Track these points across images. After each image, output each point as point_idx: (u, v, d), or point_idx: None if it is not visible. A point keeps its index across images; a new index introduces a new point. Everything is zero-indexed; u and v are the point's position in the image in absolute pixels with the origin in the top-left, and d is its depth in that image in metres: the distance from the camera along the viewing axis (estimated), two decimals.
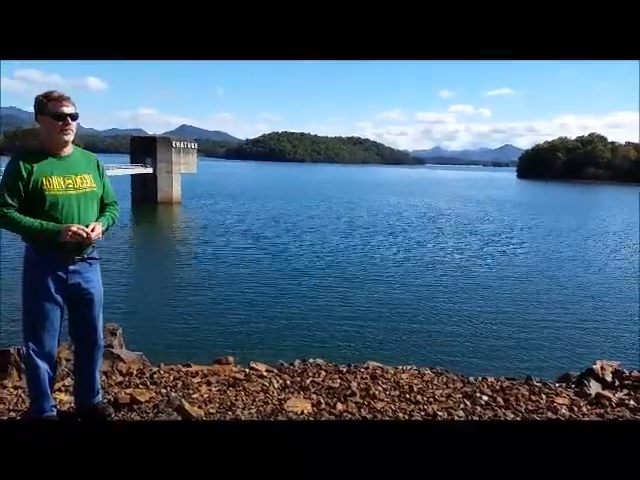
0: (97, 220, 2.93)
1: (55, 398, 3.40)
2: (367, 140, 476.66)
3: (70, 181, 2.83)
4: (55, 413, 3.03)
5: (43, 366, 2.90)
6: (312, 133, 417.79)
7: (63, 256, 2.84)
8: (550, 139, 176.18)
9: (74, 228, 2.73)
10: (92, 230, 2.81)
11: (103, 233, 2.92)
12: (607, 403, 3.71)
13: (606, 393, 3.86)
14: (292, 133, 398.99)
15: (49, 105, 2.74)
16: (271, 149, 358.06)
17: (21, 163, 2.72)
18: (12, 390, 3.64)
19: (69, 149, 2.90)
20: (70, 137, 2.82)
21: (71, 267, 2.88)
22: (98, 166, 3.03)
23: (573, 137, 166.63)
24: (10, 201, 2.69)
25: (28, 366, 2.94)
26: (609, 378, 4.14)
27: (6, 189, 2.71)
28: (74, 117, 2.80)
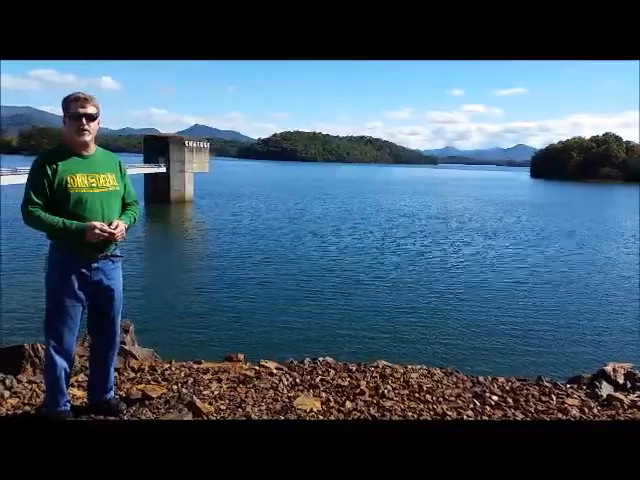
0: (119, 219, 2.98)
1: (69, 393, 3.46)
2: (379, 139, 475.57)
3: (94, 180, 2.88)
4: (68, 408, 3.08)
5: (61, 363, 2.96)
6: (323, 132, 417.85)
7: (87, 254, 2.90)
8: (564, 138, 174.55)
9: (97, 230, 2.77)
10: (116, 227, 2.87)
11: (125, 231, 2.98)
12: (619, 405, 3.68)
13: (618, 395, 3.82)
14: (304, 133, 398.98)
15: (69, 106, 2.82)
16: (283, 148, 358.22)
17: (46, 162, 2.79)
18: (27, 384, 3.70)
19: (92, 149, 2.96)
20: (87, 137, 2.86)
21: (94, 264, 2.94)
22: (120, 166, 3.09)
23: (587, 137, 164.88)
24: (35, 199, 2.75)
25: (47, 362, 3.00)
26: (621, 380, 4.10)
27: (31, 187, 2.77)
28: (90, 117, 2.84)
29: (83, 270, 2.90)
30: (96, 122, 2.89)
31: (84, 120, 2.81)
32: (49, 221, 2.75)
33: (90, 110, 2.83)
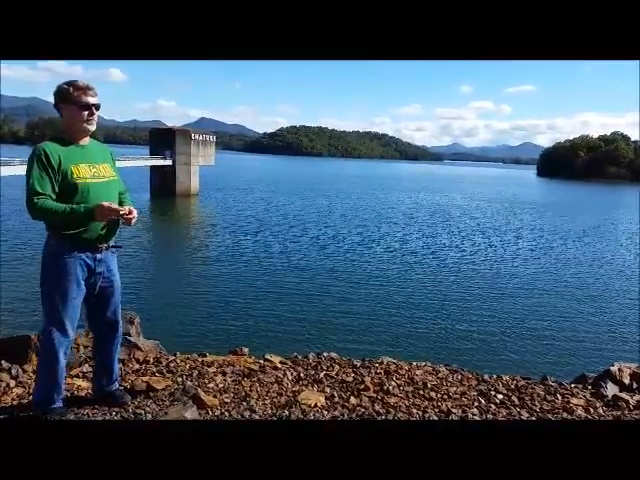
0: (128, 205, 2.99)
1: (73, 384, 3.47)
2: (385, 135, 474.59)
3: (95, 169, 2.87)
4: (62, 405, 3.00)
5: (62, 357, 2.90)
6: (329, 127, 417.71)
7: (90, 245, 2.88)
8: (571, 137, 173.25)
9: (106, 204, 2.70)
10: (129, 212, 2.84)
11: None
12: (624, 405, 3.66)
13: (623, 395, 3.80)
14: (310, 127, 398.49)
15: (75, 94, 2.76)
16: (289, 143, 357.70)
17: (49, 152, 2.71)
18: (32, 374, 3.70)
19: (87, 139, 2.94)
20: (93, 127, 2.87)
21: (98, 256, 2.93)
22: (112, 156, 3.10)
23: (595, 135, 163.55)
24: (41, 190, 2.67)
25: (48, 355, 2.90)
26: (627, 380, 4.08)
27: (36, 178, 2.68)
28: (98, 107, 2.85)
29: (88, 262, 2.88)
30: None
31: (94, 110, 2.82)
32: (56, 209, 2.67)
33: (97, 100, 2.84)
